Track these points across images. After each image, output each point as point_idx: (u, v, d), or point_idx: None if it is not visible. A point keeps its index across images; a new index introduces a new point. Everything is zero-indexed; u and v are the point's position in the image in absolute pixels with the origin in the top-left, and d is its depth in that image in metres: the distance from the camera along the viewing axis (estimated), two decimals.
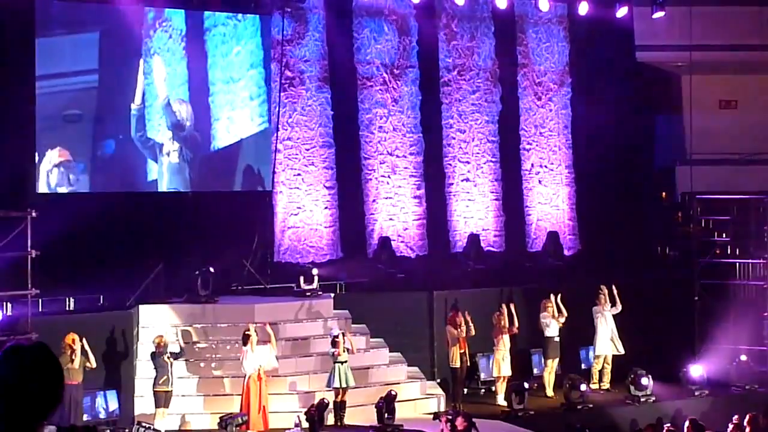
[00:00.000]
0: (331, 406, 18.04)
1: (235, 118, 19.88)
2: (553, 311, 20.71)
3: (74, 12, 19.39)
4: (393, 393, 18.14)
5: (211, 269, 19.84)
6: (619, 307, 21.25)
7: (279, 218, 22.65)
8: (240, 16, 19.43)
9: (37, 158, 19.10)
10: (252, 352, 17.89)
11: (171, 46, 18.27)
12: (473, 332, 19.97)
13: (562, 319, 20.73)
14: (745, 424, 16.36)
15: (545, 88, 25.85)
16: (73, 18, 19.36)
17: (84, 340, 17.02)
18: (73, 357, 16.80)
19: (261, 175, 21.18)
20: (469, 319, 19.88)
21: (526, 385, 19.62)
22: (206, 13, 19.58)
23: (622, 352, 21.31)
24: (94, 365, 17.17)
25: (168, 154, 19.88)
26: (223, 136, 20.43)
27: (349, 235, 23.21)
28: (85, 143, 19.31)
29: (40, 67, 19.06)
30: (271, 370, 18.36)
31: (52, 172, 19.14)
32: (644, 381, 20.49)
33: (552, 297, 20.74)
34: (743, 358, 22.31)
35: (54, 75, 19.04)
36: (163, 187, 19.93)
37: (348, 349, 18.42)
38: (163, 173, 19.99)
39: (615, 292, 21.26)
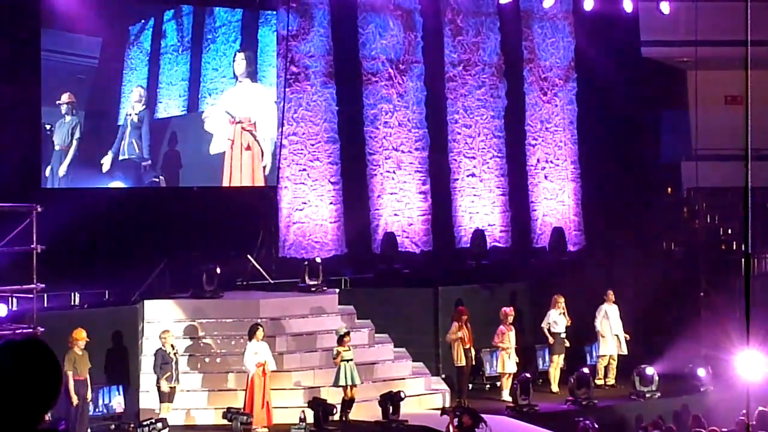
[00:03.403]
0: (338, 405, 17.98)
1: (170, 104, 21.36)
2: (563, 308, 20.70)
3: (76, 12, 19.79)
4: (402, 395, 18.10)
5: (218, 269, 19.83)
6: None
7: (284, 213, 22.63)
8: (180, 50, 21.47)
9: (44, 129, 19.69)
10: (252, 346, 17.86)
11: (140, 57, 20.92)
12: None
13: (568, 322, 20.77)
14: (753, 420, 16.31)
15: (551, 83, 25.79)
16: (75, 18, 19.84)
17: None
18: (80, 352, 16.80)
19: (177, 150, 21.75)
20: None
21: (528, 375, 19.62)
22: (163, 43, 21.11)
23: (626, 352, 21.29)
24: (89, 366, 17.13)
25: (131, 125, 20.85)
26: (161, 113, 21.48)
27: (354, 230, 23.17)
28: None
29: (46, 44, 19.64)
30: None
31: (62, 107, 19.61)
32: (649, 373, 20.49)
33: (562, 299, 20.71)
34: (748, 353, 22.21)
35: (59, 52, 19.94)
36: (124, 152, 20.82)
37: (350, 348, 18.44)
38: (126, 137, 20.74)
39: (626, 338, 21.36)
